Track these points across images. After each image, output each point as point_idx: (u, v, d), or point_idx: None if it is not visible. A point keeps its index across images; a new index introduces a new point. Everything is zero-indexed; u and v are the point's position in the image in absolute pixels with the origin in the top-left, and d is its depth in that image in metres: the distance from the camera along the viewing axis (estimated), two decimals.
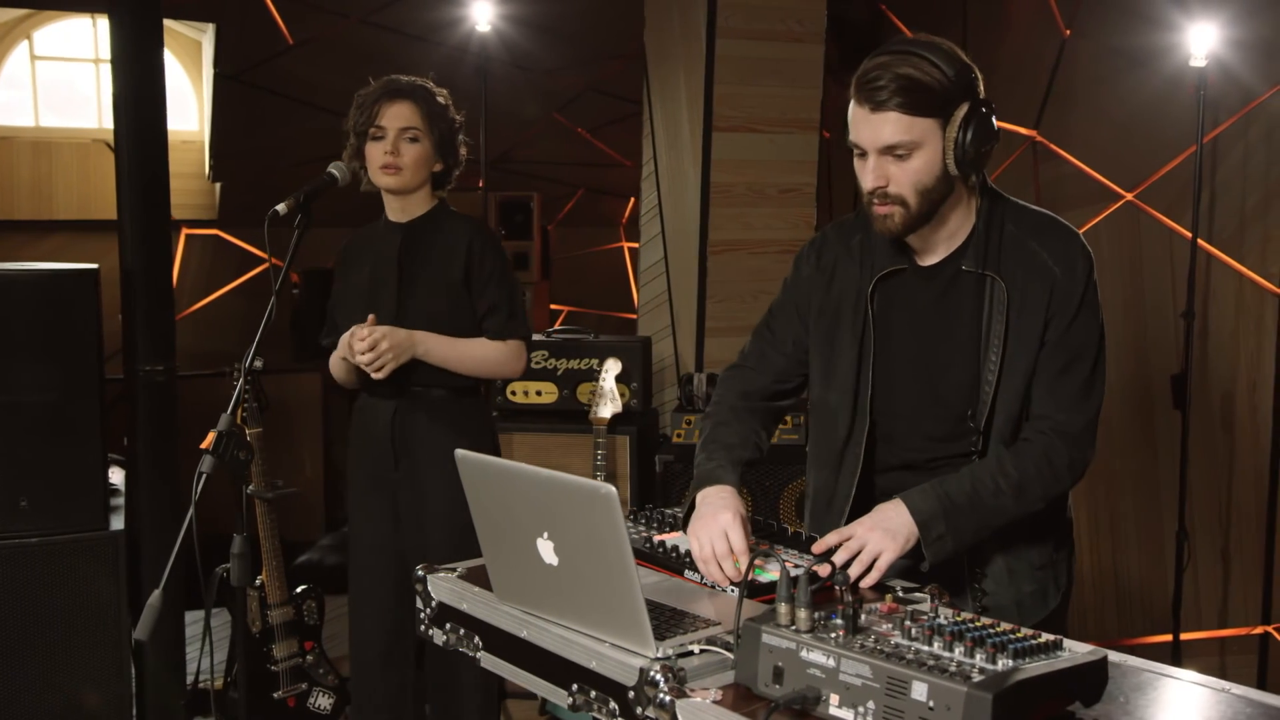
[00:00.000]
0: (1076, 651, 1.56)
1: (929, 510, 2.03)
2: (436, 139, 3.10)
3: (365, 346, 2.96)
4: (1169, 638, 4.39)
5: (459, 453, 1.87)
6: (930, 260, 2.17)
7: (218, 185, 6.92)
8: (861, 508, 2.15)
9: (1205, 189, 4.35)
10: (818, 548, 2.04)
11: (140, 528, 3.51)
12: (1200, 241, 4.35)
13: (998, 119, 2.07)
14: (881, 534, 2.00)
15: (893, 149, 2.01)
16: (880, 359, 2.19)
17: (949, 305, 2.14)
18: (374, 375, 2.99)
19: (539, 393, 4.19)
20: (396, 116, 3.07)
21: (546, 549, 1.76)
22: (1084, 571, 5.16)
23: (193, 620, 3.65)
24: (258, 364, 3.52)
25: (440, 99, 3.15)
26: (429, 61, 5.86)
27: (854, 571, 1.94)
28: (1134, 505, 4.89)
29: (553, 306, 7.32)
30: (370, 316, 3.01)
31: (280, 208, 2.68)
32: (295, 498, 3.61)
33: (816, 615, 1.60)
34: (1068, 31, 5.09)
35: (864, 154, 2.05)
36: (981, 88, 2.05)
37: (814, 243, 2.32)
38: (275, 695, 3.51)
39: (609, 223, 8.08)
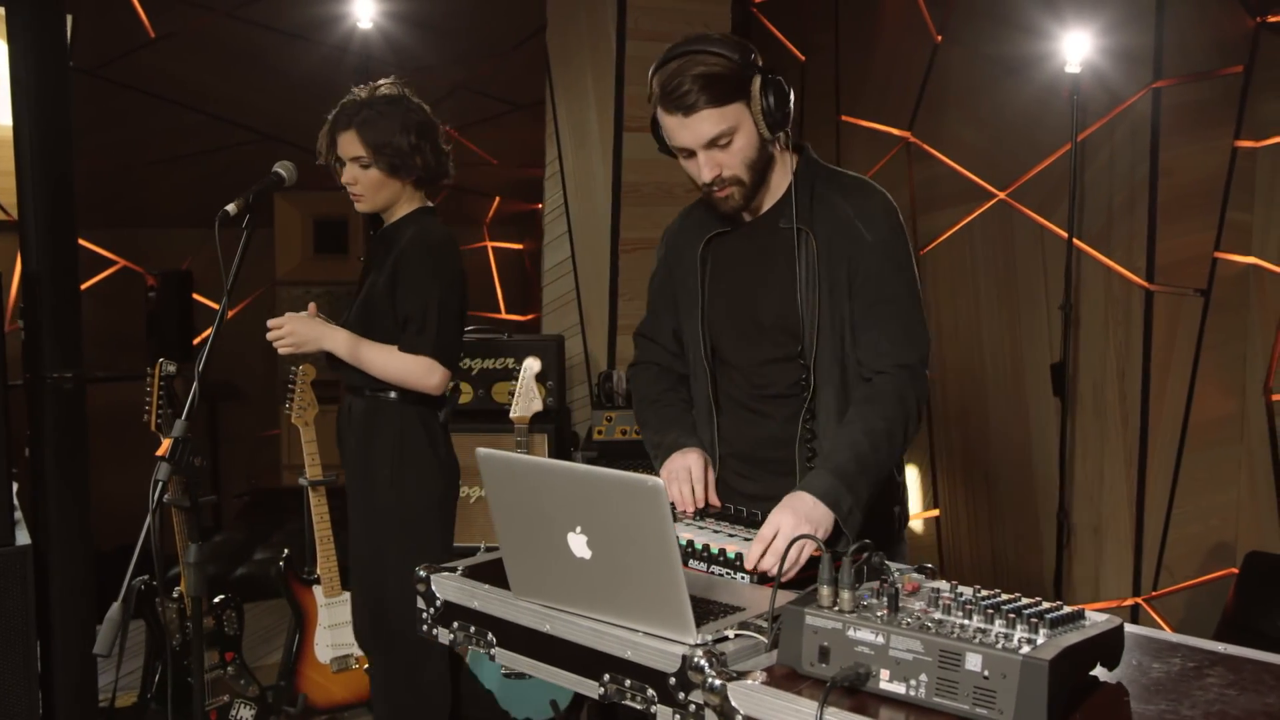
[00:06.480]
0: (1097, 620, 1.67)
1: (828, 486, 2.09)
2: (386, 164, 3.08)
3: (273, 324, 3.05)
4: None
5: (480, 451, 1.88)
6: (753, 217, 2.36)
7: None
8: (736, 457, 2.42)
9: (1075, 187, 4.61)
10: (749, 565, 2.02)
11: (48, 541, 3.35)
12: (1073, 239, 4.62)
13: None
14: (797, 518, 2.03)
15: (715, 141, 2.19)
16: (712, 311, 2.39)
17: (769, 257, 2.34)
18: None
19: None
20: (346, 146, 3.10)
21: (579, 543, 1.78)
22: (962, 551, 5.40)
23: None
24: (170, 368, 3.44)
25: (385, 119, 3.08)
26: (306, 60, 5.75)
27: (788, 564, 1.94)
28: (1009, 488, 5.13)
29: None
30: (311, 305, 3.11)
31: (230, 208, 2.62)
32: (211, 505, 3.51)
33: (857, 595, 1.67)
34: (939, 38, 5.31)
35: (691, 154, 2.22)
36: (758, 57, 2.24)
37: (665, 230, 2.56)
38: None
39: (473, 221, 8.02)
